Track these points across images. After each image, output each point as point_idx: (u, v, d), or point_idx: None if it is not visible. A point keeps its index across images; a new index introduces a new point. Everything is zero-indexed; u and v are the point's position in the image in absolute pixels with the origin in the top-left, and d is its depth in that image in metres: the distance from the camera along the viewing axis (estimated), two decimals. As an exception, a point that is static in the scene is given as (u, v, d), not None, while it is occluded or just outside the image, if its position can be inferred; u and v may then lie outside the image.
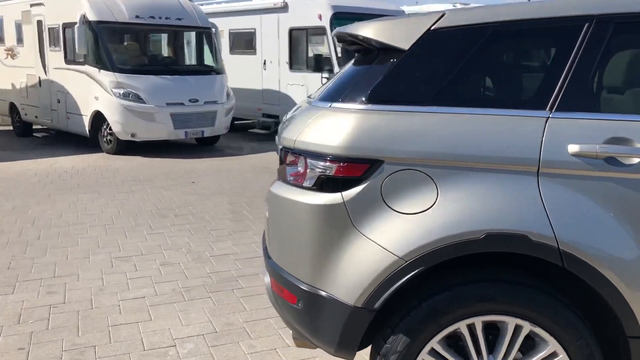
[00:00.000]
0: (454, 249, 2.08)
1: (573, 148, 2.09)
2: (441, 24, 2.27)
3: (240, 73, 13.06)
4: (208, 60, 11.46)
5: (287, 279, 2.38)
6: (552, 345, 2.15)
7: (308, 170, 2.30)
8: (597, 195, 2.09)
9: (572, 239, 2.06)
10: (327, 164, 2.23)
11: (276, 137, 2.87)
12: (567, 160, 2.09)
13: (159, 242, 5.46)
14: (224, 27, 13.27)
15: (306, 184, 2.31)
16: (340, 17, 11.17)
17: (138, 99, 10.03)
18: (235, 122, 13.23)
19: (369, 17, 11.81)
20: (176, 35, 11.49)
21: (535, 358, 2.17)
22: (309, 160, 2.29)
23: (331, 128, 2.25)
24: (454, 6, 13.14)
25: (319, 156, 2.26)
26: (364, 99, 2.26)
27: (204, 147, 11.42)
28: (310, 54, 11.66)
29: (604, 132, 2.10)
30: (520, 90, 2.26)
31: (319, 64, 11.16)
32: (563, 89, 2.16)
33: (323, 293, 2.25)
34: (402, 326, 2.17)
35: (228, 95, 11.08)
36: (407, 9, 12.93)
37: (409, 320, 2.16)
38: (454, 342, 2.24)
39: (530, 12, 2.23)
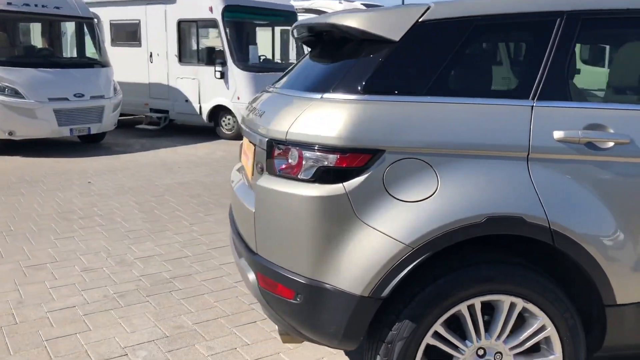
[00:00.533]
0: (458, 234, 2.16)
1: (558, 134, 2.24)
2: (428, 16, 2.33)
3: (124, 66, 12.42)
4: (91, 52, 10.78)
5: (282, 273, 2.33)
6: (542, 319, 2.30)
7: (304, 162, 2.26)
8: (579, 177, 2.26)
9: (561, 218, 2.22)
10: (328, 155, 2.21)
11: (245, 129, 2.79)
12: (553, 146, 2.24)
13: (72, 247, 5.07)
14: (104, 17, 12.54)
15: (302, 176, 2.27)
16: (232, 9, 11.00)
17: (15, 93, 9.20)
18: (119, 118, 12.56)
19: (260, 11, 11.74)
20: (55, 25, 10.67)
21: (525, 333, 2.31)
22: (304, 152, 2.26)
23: (329, 119, 2.23)
24: (340, 2, 13.45)
25: (317, 147, 2.23)
26: (359, 89, 2.26)
27: (89, 145, 10.73)
28: (202, 47, 11.37)
29: (583, 119, 2.28)
30: (507, 81, 2.39)
31: (212, 56, 10.92)
32: (543, 79, 2.31)
33: (326, 285, 2.23)
34: (407, 312, 2.21)
35: (115, 89, 10.50)
36: (296, 4, 12.99)
37: (414, 306, 2.21)
38: (452, 323, 2.32)
39: (510, 6, 2.35)
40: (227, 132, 11.59)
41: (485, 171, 2.22)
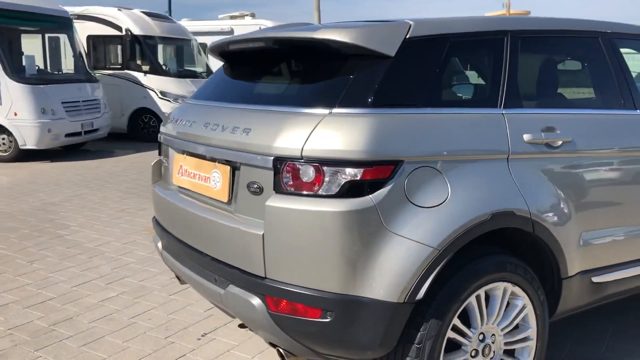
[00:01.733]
0: (473, 232, 2.37)
1: (527, 137, 2.60)
2: (412, 33, 2.49)
3: None
4: None
5: (306, 294, 2.29)
6: (523, 299, 2.63)
7: (325, 178, 2.25)
8: (542, 172, 2.65)
9: (537, 209, 2.58)
10: (353, 169, 2.23)
11: (195, 146, 2.64)
12: (524, 148, 2.59)
13: None
14: None
15: (323, 191, 2.25)
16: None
17: None
18: None
19: (28, 15, 10.58)
20: None
21: (513, 313, 2.62)
22: (325, 168, 2.25)
23: (350, 133, 2.25)
24: (118, 10, 12.74)
25: (341, 162, 2.23)
26: (369, 103, 2.33)
27: None
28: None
29: (540, 123, 2.67)
30: (483, 91, 2.66)
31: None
32: (505, 89, 2.64)
33: (360, 298, 2.25)
34: (431, 312, 2.35)
35: None
36: (71, 9, 11.92)
37: (437, 305, 2.36)
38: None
39: (471, 26, 2.64)
40: (2, 154, 10.18)
41: (481, 173, 2.47)
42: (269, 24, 15.35)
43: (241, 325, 3.73)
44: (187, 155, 2.93)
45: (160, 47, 13.24)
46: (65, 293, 4.34)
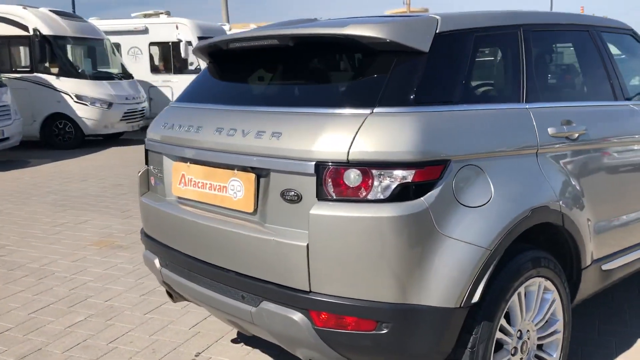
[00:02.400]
0: (517, 229, 2.33)
1: (551, 130, 2.60)
2: (441, 28, 2.41)
3: None
4: None
5: (359, 306, 2.16)
6: (553, 293, 2.63)
7: (375, 182, 2.12)
8: (564, 165, 2.67)
9: (565, 202, 2.59)
10: (403, 171, 2.12)
11: (210, 154, 2.44)
12: (550, 141, 2.59)
13: None
14: None
15: (372, 196, 2.13)
16: None
17: None
18: None
19: None
20: None
21: (545, 308, 2.61)
22: (375, 171, 2.12)
23: (398, 134, 2.14)
24: (24, 8, 11.83)
25: (391, 164, 2.12)
26: (411, 101, 2.22)
27: None
28: None
29: (559, 116, 2.68)
30: (509, 86, 2.63)
31: None
32: (525, 84, 2.63)
33: (417, 306, 2.15)
34: (482, 313, 2.29)
35: None
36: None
37: (487, 306, 2.30)
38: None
39: (491, 19, 2.61)
40: None
41: (517, 169, 2.44)
42: (186, 22, 14.89)
43: (234, 341, 3.53)
44: (191, 163, 2.70)
45: (72, 48, 12.46)
46: (23, 321, 3.92)
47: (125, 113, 12.42)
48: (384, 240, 2.10)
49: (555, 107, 2.72)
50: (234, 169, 2.48)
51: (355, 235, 2.12)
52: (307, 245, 2.18)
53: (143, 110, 13.17)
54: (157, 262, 2.93)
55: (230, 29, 17.75)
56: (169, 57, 15.33)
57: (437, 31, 2.39)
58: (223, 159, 2.50)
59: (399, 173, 2.12)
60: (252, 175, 2.40)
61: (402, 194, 2.12)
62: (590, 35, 3.14)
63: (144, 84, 14.22)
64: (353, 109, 2.22)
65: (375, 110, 2.19)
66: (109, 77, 12.83)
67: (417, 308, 2.15)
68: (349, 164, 2.14)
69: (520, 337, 2.53)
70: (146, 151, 3.07)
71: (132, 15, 16.05)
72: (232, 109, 2.58)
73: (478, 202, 2.26)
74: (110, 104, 12.04)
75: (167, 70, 15.41)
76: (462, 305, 2.18)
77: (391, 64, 2.31)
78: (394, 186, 2.12)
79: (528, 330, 2.58)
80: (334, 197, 2.16)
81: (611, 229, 2.98)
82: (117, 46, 14.07)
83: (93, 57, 13.15)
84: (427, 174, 2.14)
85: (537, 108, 2.61)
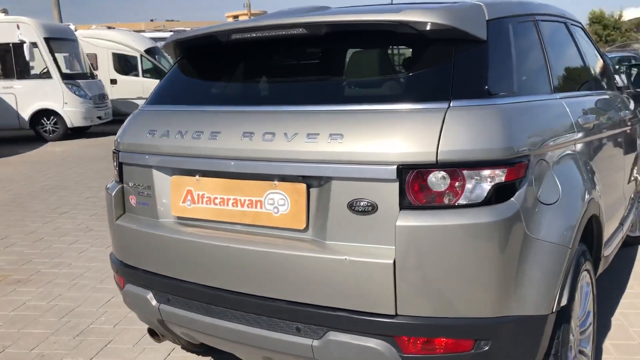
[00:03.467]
0: (582, 224, 2.24)
1: (582, 121, 2.56)
2: (489, 15, 2.24)
3: None
4: None
5: (455, 325, 1.91)
6: (590, 285, 2.59)
7: (467, 184, 1.89)
8: (588, 156, 2.65)
9: (599, 193, 2.55)
10: (496, 170, 1.92)
11: (244, 165, 2.06)
12: (582, 132, 2.54)
13: None
14: None
15: (464, 200, 1.90)
16: None
17: None
18: None
19: None
20: None
21: (587, 303, 2.56)
22: (465, 172, 1.89)
23: (483, 128, 1.93)
24: None
25: (481, 164, 1.90)
26: (485, 93, 2.03)
27: None
28: None
29: (579, 106, 2.65)
30: (543, 77, 2.52)
31: None
32: (551, 74, 2.57)
33: (515, 318, 1.96)
34: (561, 317, 2.16)
35: None
36: None
37: (566, 308, 2.17)
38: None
39: (521, 7, 2.51)
40: None
41: (567, 162, 2.35)
42: (28, 21, 13.38)
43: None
44: (202, 176, 2.25)
45: None
46: None
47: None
48: (482, 249, 1.88)
49: (574, 97, 2.69)
50: (273, 180, 2.10)
51: (449, 246, 1.87)
52: (394, 262, 1.88)
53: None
54: (151, 297, 2.43)
55: (75, 29, 16.31)
56: (10, 61, 13.67)
57: (487, 18, 2.21)
58: (256, 168, 2.11)
59: (491, 173, 1.90)
60: (302, 186, 2.04)
61: (496, 196, 1.91)
62: (565, 26, 3.18)
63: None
64: (426, 103, 1.97)
65: (453, 103, 1.96)
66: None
67: (516, 320, 1.95)
68: (437, 166, 1.88)
69: (573, 335, 2.45)
70: (120, 165, 2.53)
71: (-38, 14, 14.08)
72: (261, 109, 2.18)
73: (552, 198, 2.12)
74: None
75: (7, 75, 13.72)
76: (553, 310, 2.03)
77: (452, 53, 2.08)
78: (488, 188, 1.90)
79: (576, 326, 2.51)
80: (420, 205, 1.89)
81: (610, 215, 3.04)
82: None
83: None
84: (516, 172, 1.96)
85: (565, 99, 2.55)
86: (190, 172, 2.28)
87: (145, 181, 2.43)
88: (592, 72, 3.18)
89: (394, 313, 1.92)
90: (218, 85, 2.47)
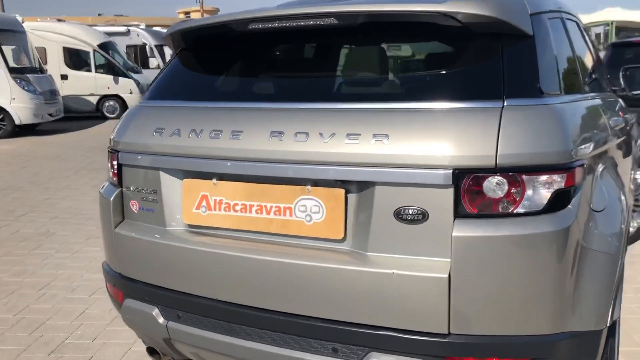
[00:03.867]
0: (626, 229, 2.13)
1: (613, 123, 2.45)
2: (531, 10, 2.10)
3: None
4: None
5: (511, 344, 1.76)
6: None
7: (528, 190, 1.74)
8: (614, 157, 2.55)
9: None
10: (556, 175, 1.77)
11: (271, 168, 1.86)
12: (613, 135, 2.44)
13: None
14: None
15: (523, 208, 1.75)
16: None
17: None
18: None
19: None
20: None
21: None
22: (525, 177, 1.74)
23: (542, 130, 1.79)
24: None
25: (541, 168, 1.76)
26: (537, 91, 1.88)
27: None
28: None
29: (607, 106, 2.55)
30: (574, 74, 2.40)
31: None
32: (581, 73, 2.45)
33: (576, 333, 1.82)
34: (610, 330, 2.03)
35: None
36: None
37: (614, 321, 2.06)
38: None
39: (548, 3, 2.38)
40: None
41: (609, 166, 2.23)
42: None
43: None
44: (220, 180, 2.03)
45: None
46: None
47: None
48: (542, 260, 1.73)
49: (600, 98, 2.59)
50: (305, 185, 1.89)
51: (508, 257, 1.71)
52: (449, 276, 1.71)
53: None
54: (157, 313, 2.18)
55: (22, 21, 15.53)
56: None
57: (529, 12, 2.07)
58: (286, 172, 1.90)
59: (551, 178, 1.76)
60: (340, 192, 1.85)
61: (556, 203, 1.76)
62: (577, 24, 3.09)
63: None
64: (478, 102, 1.80)
65: (507, 102, 1.80)
66: None
67: (574, 335, 1.81)
68: (495, 171, 1.72)
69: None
70: (119, 167, 2.28)
71: None
72: (291, 106, 1.97)
73: (601, 205, 2.00)
74: None
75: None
76: (608, 324, 1.91)
77: (500, 49, 1.93)
78: (547, 195, 1.75)
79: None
80: (477, 213, 1.73)
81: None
82: None
83: None
84: (574, 177, 1.82)
85: (596, 99, 2.45)
86: (206, 175, 2.05)
87: (150, 185, 2.18)
88: (598, 72, 3.10)
89: (446, 332, 1.75)
90: (236, 80, 2.25)
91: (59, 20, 18.26)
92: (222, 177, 2.03)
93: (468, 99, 1.81)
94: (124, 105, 16.73)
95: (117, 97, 16.81)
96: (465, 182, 1.71)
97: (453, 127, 1.74)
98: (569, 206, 1.79)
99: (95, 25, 20.24)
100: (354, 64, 2.28)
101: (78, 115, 16.61)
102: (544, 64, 1.98)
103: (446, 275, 1.71)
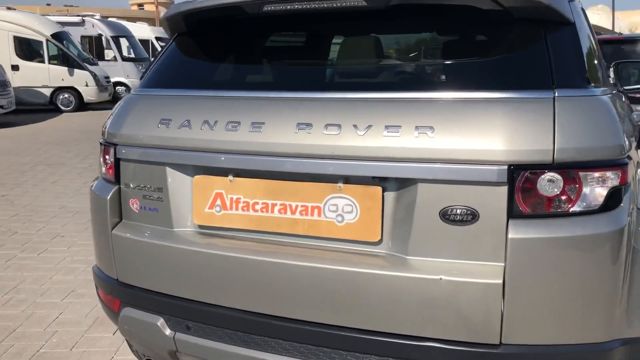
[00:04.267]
0: None
1: (636, 117, 2.36)
2: (563, -6, 1.97)
3: None
4: None
5: (567, 353, 1.63)
6: None
7: (585, 188, 1.61)
8: None
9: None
10: (611, 171, 1.65)
11: (305, 164, 1.68)
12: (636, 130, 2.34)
13: None
14: None
15: (579, 207, 1.62)
16: None
17: None
18: None
19: None
20: None
21: None
22: (582, 174, 1.61)
23: (598, 124, 1.66)
24: None
25: (597, 164, 1.63)
26: (585, 82, 1.76)
27: None
28: None
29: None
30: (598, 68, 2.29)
31: None
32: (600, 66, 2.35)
33: (628, 340, 1.71)
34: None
35: None
36: None
37: None
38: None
39: None
40: None
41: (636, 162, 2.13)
42: None
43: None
44: (237, 176, 1.83)
45: None
46: None
47: None
48: (599, 263, 1.60)
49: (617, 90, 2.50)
50: (336, 182, 1.72)
51: (565, 261, 1.58)
52: (503, 282, 1.57)
53: None
54: (163, 324, 1.97)
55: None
56: None
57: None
58: (314, 167, 1.72)
59: (606, 174, 1.63)
60: (377, 190, 1.68)
61: (611, 201, 1.64)
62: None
63: None
64: (528, 92, 1.66)
65: (558, 93, 1.66)
66: None
67: (628, 342, 1.70)
68: (553, 167, 1.58)
69: None
70: (117, 161, 2.05)
71: None
72: (320, 96, 1.78)
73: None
74: None
75: None
76: (655, 330, 1.80)
77: (544, 36, 1.79)
78: (604, 192, 1.62)
79: None
80: (530, 213, 1.59)
81: None
82: None
83: None
84: (627, 173, 1.70)
85: (621, 92, 2.35)
86: (221, 172, 1.85)
87: (154, 182, 1.96)
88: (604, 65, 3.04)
89: (497, 342, 1.60)
90: (252, 67, 2.04)
91: (9, 8, 17.45)
92: (239, 173, 1.83)
93: (517, 89, 1.67)
94: (79, 98, 16.12)
95: (72, 90, 16.18)
96: (521, 179, 1.57)
97: (505, 119, 1.60)
98: (621, 204, 1.67)
99: (47, 15, 19.43)
100: (389, 50, 2.11)
101: (31, 108, 15.92)
102: (587, 53, 1.86)
103: (500, 281, 1.56)
